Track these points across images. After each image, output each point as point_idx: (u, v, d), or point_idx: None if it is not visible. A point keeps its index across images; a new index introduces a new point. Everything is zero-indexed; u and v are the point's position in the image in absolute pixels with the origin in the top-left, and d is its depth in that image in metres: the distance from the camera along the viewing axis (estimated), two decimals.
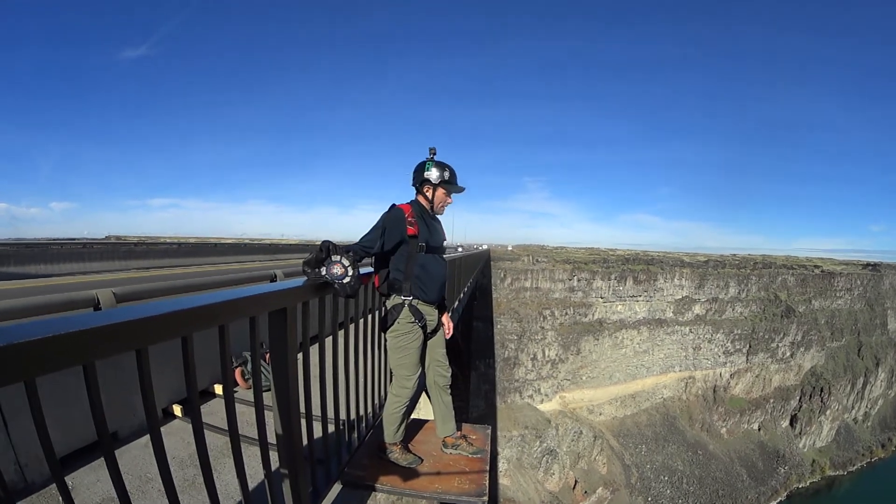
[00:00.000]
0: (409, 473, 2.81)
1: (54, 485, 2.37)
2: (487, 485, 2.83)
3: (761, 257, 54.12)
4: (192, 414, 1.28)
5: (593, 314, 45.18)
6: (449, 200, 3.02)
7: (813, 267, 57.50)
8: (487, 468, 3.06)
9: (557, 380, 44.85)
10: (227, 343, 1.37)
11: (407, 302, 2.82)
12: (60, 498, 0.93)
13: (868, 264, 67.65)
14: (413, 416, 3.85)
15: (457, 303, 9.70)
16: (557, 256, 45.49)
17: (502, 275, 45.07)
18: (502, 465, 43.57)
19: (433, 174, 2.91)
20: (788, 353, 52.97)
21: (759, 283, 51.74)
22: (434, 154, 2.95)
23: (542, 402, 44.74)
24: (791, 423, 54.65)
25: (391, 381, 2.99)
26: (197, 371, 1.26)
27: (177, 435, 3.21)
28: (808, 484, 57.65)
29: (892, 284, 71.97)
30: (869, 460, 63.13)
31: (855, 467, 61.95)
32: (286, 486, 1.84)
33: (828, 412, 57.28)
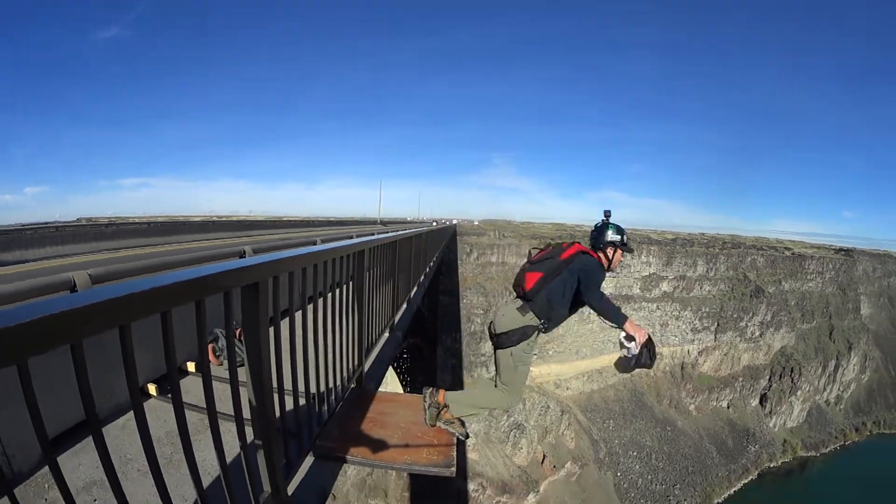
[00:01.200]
0: (378, 445, 2.87)
1: (38, 473, 2.43)
2: (455, 456, 2.86)
3: (730, 237, 54.70)
4: (173, 391, 1.31)
5: None
6: (623, 260, 3.45)
7: (784, 249, 58.11)
8: (455, 441, 3.09)
9: None
10: (205, 318, 1.39)
11: (540, 330, 3.14)
12: (47, 488, 1.02)
13: (841, 249, 68.35)
14: (380, 390, 3.97)
15: (422, 277, 9.94)
16: (524, 232, 45.80)
17: (468, 249, 45.30)
18: (471, 440, 43.60)
19: (617, 238, 3.32)
20: (758, 333, 53.40)
21: (727, 263, 52.23)
22: (609, 217, 3.37)
23: None
24: (761, 402, 55.01)
25: (496, 383, 3.26)
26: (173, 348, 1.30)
27: (152, 414, 3.16)
28: (779, 463, 57.94)
29: (865, 271, 72.76)
30: (842, 443, 63.50)
31: (828, 449, 62.25)
32: (261, 460, 1.87)
33: (798, 393, 57.68)
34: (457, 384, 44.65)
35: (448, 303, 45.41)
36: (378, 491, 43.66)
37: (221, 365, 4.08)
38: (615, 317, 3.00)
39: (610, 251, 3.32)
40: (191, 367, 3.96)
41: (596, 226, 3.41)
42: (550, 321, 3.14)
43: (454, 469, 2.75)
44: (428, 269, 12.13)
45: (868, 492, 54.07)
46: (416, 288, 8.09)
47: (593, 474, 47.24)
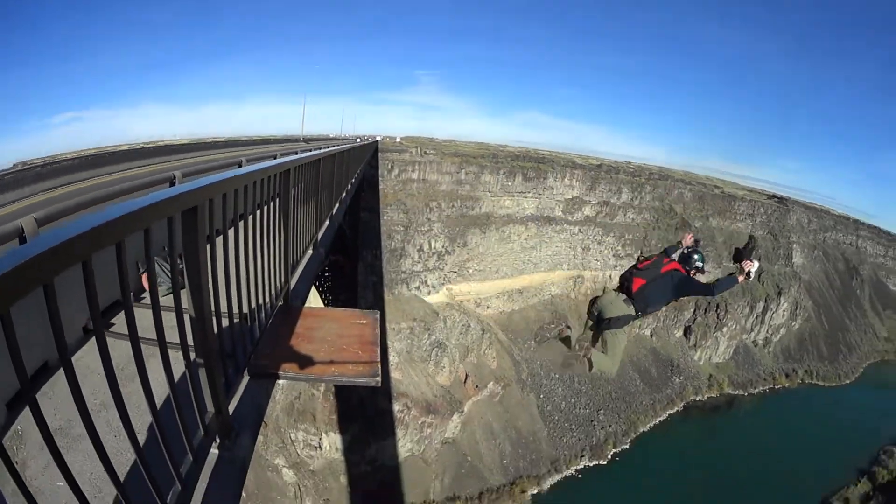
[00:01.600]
0: (307, 360, 3.01)
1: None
2: (380, 368, 3.04)
3: (658, 168, 55.43)
4: (129, 323, 1.36)
5: (480, 208, 45.28)
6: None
7: (713, 186, 59.20)
8: (379, 354, 3.24)
9: (444, 272, 44.81)
10: (151, 246, 1.42)
11: (634, 319, 4.57)
12: (16, 450, 1.10)
13: (774, 196, 69.97)
14: (307, 305, 4.13)
15: (344, 193, 10.29)
16: (446, 149, 45.45)
17: (390, 166, 44.77)
18: (393, 359, 43.26)
19: (700, 265, 4.69)
20: None
21: (653, 193, 52.89)
22: (698, 245, 4.66)
23: (429, 293, 44.65)
24: (685, 334, 56.11)
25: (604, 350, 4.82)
26: (110, 283, 1.32)
27: (96, 351, 3.08)
28: (705, 398, 59.23)
29: (799, 221, 74.72)
30: (772, 386, 65.21)
31: (757, 390, 63.88)
32: (203, 383, 1.95)
33: (724, 329, 58.99)
34: (378, 302, 44.25)
35: (369, 219, 44.86)
36: (306, 415, 43.04)
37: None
38: (730, 285, 4.58)
39: (693, 272, 4.71)
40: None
41: (687, 249, 4.84)
42: (644, 314, 4.53)
43: (379, 379, 2.95)
44: (350, 186, 12.51)
45: (798, 439, 55.71)
46: (337, 205, 8.42)
47: (516, 395, 47.49)
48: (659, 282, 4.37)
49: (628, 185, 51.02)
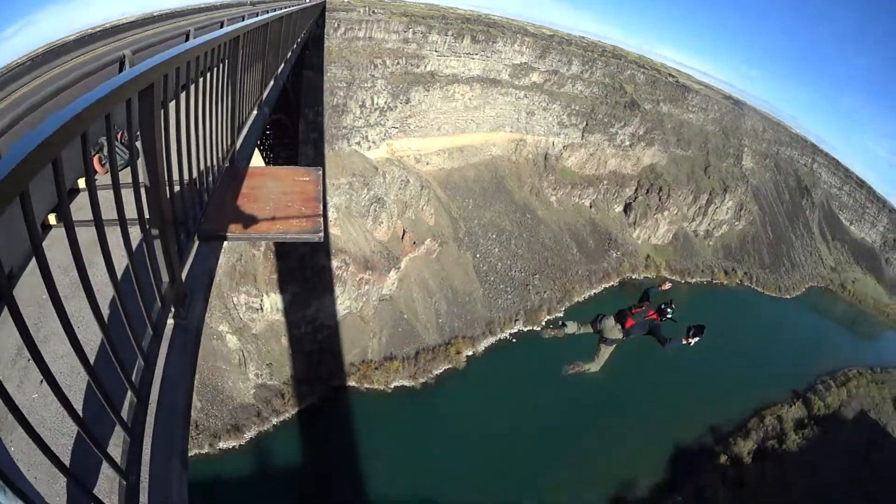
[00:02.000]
0: (253, 220, 3.12)
1: None
2: (322, 223, 3.15)
3: (612, 47, 55.85)
4: (93, 205, 1.42)
5: (425, 66, 45.85)
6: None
7: (668, 74, 59.78)
8: (321, 209, 3.34)
9: (385, 128, 45.96)
10: (111, 130, 1.47)
11: (620, 342, 6.83)
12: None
13: (730, 97, 70.69)
14: (251, 165, 4.29)
15: (290, 53, 10.67)
16: (395, 9, 45.19)
17: (336, 24, 44.60)
18: (332, 214, 44.97)
19: (669, 318, 6.29)
20: (628, 143, 56.05)
21: (605, 70, 53.56)
22: (671, 304, 6.37)
23: (369, 149, 45.94)
24: (625, 211, 58.78)
25: (594, 358, 7.12)
26: (66, 172, 1.30)
27: (58, 245, 2.94)
28: (641, 277, 62.77)
29: (753, 127, 76.03)
30: (710, 279, 68.72)
31: (694, 280, 67.27)
32: (159, 251, 2.04)
33: (665, 213, 61.67)
34: (318, 158, 45.50)
35: (312, 77, 45.12)
36: (248, 276, 44.90)
37: (107, 173, 4.41)
38: (677, 346, 6.23)
39: (663, 320, 6.33)
40: (81, 183, 3.99)
41: (662, 305, 6.35)
42: (627, 340, 6.65)
43: (321, 234, 3.13)
44: (295, 46, 12.72)
45: (734, 341, 57.84)
46: (283, 65, 8.72)
47: (453, 253, 50.21)
48: (643, 324, 6.43)
49: (579, 59, 51.53)
